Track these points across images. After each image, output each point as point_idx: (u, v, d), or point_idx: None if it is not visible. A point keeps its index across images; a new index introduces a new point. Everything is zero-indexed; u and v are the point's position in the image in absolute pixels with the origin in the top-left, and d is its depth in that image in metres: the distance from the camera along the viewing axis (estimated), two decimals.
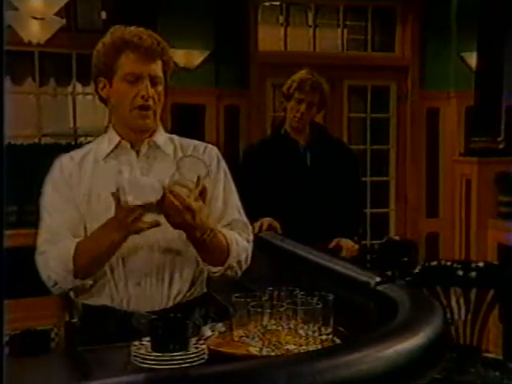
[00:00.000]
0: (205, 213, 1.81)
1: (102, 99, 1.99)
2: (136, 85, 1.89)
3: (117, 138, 1.97)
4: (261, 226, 3.12)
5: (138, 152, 1.97)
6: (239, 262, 1.95)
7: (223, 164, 2.06)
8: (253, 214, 3.09)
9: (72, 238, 1.89)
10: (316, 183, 3.25)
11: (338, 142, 3.61)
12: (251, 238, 2.04)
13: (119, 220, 1.77)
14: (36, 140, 5.44)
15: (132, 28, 1.94)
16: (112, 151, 1.97)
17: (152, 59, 1.90)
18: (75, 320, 1.98)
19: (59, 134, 5.73)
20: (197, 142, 2.07)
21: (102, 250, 1.84)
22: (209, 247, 1.87)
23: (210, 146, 2.08)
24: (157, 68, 1.92)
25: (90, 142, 2.14)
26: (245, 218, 2.06)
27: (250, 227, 2.09)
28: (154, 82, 1.91)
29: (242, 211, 2.06)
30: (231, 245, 1.92)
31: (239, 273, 1.97)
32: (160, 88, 1.93)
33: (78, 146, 2.22)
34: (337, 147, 3.44)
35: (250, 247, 2.01)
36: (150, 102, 1.90)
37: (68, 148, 2.10)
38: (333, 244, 3.18)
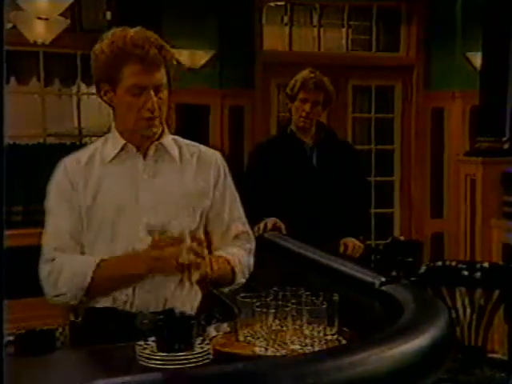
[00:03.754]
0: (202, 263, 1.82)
1: (106, 102, 1.97)
2: (141, 96, 1.85)
3: (121, 141, 1.94)
4: (265, 226, 3.11)
5: (144, 155, 1.95)
6: (244, 276, 2.03)
7: (228, 174, 2.06)
8: (258, 213, 3.10)
9: (79, 250, 1.90)
10: (322, 183, 3.25)
11: (343, 143, 3.61)
12: (253, 246, 2.10)
13: (152, 259, 1.80)
14: (41, 140, 5.45)
15: (132, 32, 1.86)
16: (118, 154, 1.94)
17: (156, 68, 1.86)
18: (79, 320, 1.98)
19: (64, 133, 5.73)
20: (201, 148, 2.05)
21: (126, 278, 1.87)
22: (215, 280, 1.92)
23: (213, 152, 2.06)
24: (161, 76, 1.87)
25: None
26: (248, 228, 2.11)
27: (252, 236, 2.13)
28: (158, 90, 1.87)
29: (245, 220, 2.09)
30: (236, 267, 1.97)
31: (244, 281, 2.04)
32: (164, 93, 1.90)
33: (83, 146, 2.21)
34: (342, 148, 3.44)
35: (251, 256, 2.08)
36: (156, 113, 1.88)
37: (73, 148, 2.09)
38: (342, 247, 3.18)
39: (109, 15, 5.56)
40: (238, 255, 2.00)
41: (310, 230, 3.00)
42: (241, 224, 2.07)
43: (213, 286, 1.98)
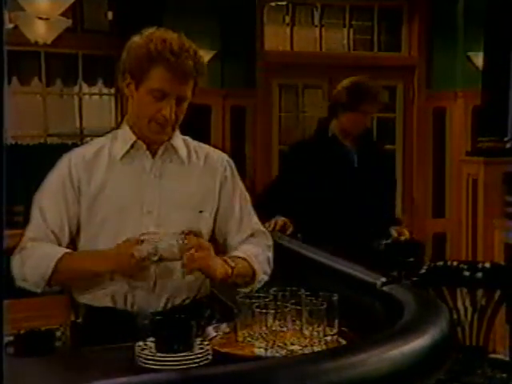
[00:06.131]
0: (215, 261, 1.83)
1: (124, 94, 1.95)
2: (162, 101, 1.83)
3: (132, 137, 1.92)
4: (275, 225, 3.07)
5: (153, 154, 1.94)
6: (266, 272, 2.01)
7: (236, 174, 2.06)
8: (296, 214, 3.11)
9: (55, 241, 1.89)
10: (363, 185, 3.22)
11: (377, 144, 3.60)
12: (271, 242, 2.09)
13: (124, 259, 1.79)
14: (42, 140, 5.46)
15: (173, 38, 1.84)
16: (128, 151, 1.92)
17: (185, 80, 1.84)
18: (80, 320, 1.98)
19: (65, 134, 5.74)
20: (209, 150, 2.05)
21: (87, 273, 1.88)
22: (236, 279, 1.92)
23: (220, 154, 2.06)
24: (187, 88, 1.85)
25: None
26: (261, 226, 2.10)
27: (268, 233, 2.13)
28: (180, 100, 1.86)
29: (257, 219, 2.09)
30: (254, 264, 1.96)
31: (267, 278, 2.02)
32: (185, 105, 1.88)
33: None
34: (377, 148, 3.46)
35: (271, 251, 2.07)
36: (170, 121, 1.86)
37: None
38: (394, 233, 3.21)
39: (110, 15, 5.57)
40: (254, 252, 1.98)
41: (350, 229, 3.04)
42: (254, 221, 2.07)
43: (234, 286, 1.95)
